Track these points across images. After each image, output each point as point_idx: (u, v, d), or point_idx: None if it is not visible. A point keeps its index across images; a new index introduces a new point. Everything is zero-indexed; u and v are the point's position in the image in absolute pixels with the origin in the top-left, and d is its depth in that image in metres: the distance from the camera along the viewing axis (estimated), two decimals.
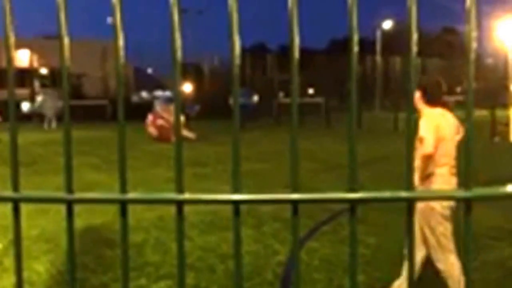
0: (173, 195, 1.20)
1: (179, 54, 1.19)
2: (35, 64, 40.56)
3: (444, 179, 4.11)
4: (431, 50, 52.30)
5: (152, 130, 19.33)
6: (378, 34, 47.06)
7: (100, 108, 34.19)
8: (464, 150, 1.21)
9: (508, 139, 17.81)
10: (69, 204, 1.22)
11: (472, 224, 1.24)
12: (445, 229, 4.16)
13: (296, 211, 1.18)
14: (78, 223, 6.81)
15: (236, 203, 1.18)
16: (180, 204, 1.20)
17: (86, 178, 10.61)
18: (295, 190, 1.16)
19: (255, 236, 6.47)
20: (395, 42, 46.23)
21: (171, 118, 17.72)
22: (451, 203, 4.08)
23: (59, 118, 26.09)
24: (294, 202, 1.17)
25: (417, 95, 4.20)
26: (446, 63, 51.76)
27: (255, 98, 41.07)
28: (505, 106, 19.91)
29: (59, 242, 6.26)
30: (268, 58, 54.39)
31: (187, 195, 1.19)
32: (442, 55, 52.63)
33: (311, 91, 49.69)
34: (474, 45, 1.15)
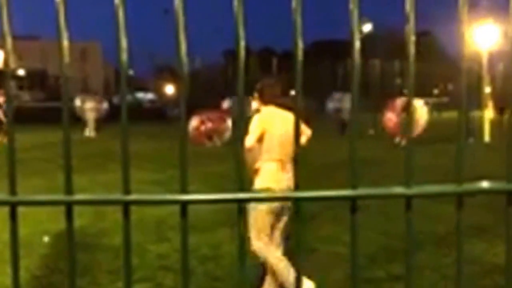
0: (119, 196, 1.19)
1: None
2: (13, 65, 39.77)
3: (271, 174, 4.36)
4: (407, 54, 52.47)
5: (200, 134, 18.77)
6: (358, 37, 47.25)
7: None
8: (407, 150, 1.25)
9: (483, 140, 18.13)
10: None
11: (413, 221, 1.31)
12: (264, 224, 4.39)
13: (241, 210, 1.21)
14: (53, 227, 6.75)
15: (184, 203, 1.19)
16: (126, 204, 1.20)
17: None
18: (241, 189, 1.18)
19: (232, 236, 6.45)
20: (374, 45, 46.62)
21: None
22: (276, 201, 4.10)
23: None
24: (240, 201, 1.19)
25: (256, 95, 4.61)
26: (424, 66, 52.36)
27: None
28: (479, 107, 20.30)
29: (35, 247, 6.18)
30: (250, 59, 54.48)
31: (133, 196, 1.19)
32: (418, 58, 53.25)
33: (293, 92, 49.76)
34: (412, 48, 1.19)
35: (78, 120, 24.43)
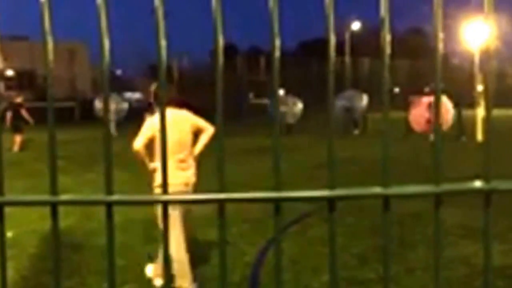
0: (102, 197, 1.21)
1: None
2: (0, 65, 39.67)
3: (169, 170, 4.41)
4: (398, 51, 53.02)
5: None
6: (347, 35, 47.50)
7: (68, 110, 33.65)
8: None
9: (475, 139, 18.15)
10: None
11: (392, 219, 1.32)
12: (180, 225, 4.62)
13: (223, 210, 1.23)
14: (44, 227, 6.68)
15: (164, 203, 1.23)
16: (109, 205, 1.22)
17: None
18: (222, 190, 1.21)
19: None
20: (364, 43, 46.72)
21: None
22: (171, 189, 4.32)
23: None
24: (221, 201, 1.22)
25: (152, 97, 4.94)
26: (414, 63, 52.49)
27: None
28: (471, 106, 20.32)
29: (24, 247, 6.11)
30: (238, 58, 54.39)
31: (116, 197, 1.21)
32: (409, 56, 53.41)
33: (281, 92, 49.88)
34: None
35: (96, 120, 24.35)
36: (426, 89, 19.94)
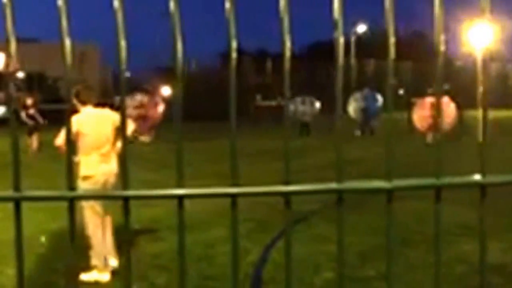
0: (119, 192, 1.25)
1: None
2: (12, 67, 39.40)
3: (90, 165, 5.14)
4: (401, 54, 52.93)
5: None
6: (352, 37, 47.49)
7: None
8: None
9: (477, 139, 18.16)
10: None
11: (394, 217, 1.38)
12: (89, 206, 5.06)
13: (235, 205, 1.27)
14: (51, 227, 6.77)
15: (180, 197, 1.25)
16: (126, 200, 1.25)
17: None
18: (234, 184, 1.25)
19: (227, 236, 6.46)
20: (369, 45, 46.72)
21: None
22: (97, 185, 5.08)
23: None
24: (233, 196, 1.26)
25: (75, 99, 5.27)
26: (417, 66, 52.48)
27: None
28: (473, 107, 20.35)
29: (33, 247, 6.14)
30: (245, 61, 54.43)
31: (131, 191, 1.25)
32: (412, 58, 53.38)
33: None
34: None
35: None
36: (429, 90, 20.06)
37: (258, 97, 44.35)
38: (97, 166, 5.16)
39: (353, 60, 47.19)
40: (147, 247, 6.26)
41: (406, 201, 7.58)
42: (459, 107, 19.73)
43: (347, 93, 27.58)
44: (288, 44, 1.22)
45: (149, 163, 13.91)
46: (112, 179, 5.28)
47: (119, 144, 5.30)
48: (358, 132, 23.73)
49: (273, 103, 37.51)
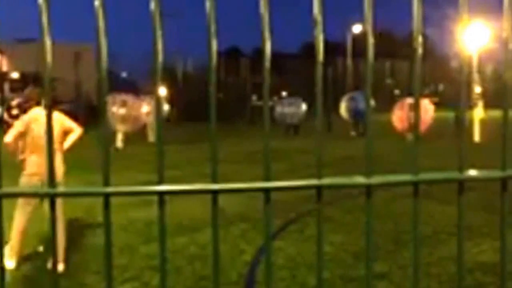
0: (99, 188, 1.24)
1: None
2: (5, 68, 39.56)
3: (33, 163, 5.33)
4: (399, 53, 53.13)
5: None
6: (349, 38, 47.53)
7: (73, 113, 33.63)
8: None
9: (472, 140, 18.25)
10: (106, 197, 1.26)
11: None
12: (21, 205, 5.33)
13: (215, 201, 1.31)
14: (45, 228, 6.71)
15: (160, 193, 1.26)
16: (107, 196, 1.25)
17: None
18: (214, 181, 1.27)
19: (223, 236, 6.47)
20: (365, 46, 46.63)
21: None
22: (40, 183, 5.25)
23: None
24: (214, 192, 1.29)
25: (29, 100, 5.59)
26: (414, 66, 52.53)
27: None
28: (469, 106, 20.46)
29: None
30: (241, 61, 54.42)
31: (111, 188, 1.24)
32: (409, 58, 53.49)
33: (284, 93, 50.01)
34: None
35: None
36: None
37: (254, 97, 44.30)
38: (42, 165, 5.24)
39: (349, 61, 47.23)
40: (141, 248, 6.24)
41: (397, 200, 7.61)
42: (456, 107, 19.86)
43: (343, 93, 27.59)
44: (268, 45, 1.22)
45: (147, 165, 13.89)
46: (58, 179, 5.29)
47: (66, 144, 5.55)
48: (353, 133, 23.77)
49: (270, 103, 37.60)
